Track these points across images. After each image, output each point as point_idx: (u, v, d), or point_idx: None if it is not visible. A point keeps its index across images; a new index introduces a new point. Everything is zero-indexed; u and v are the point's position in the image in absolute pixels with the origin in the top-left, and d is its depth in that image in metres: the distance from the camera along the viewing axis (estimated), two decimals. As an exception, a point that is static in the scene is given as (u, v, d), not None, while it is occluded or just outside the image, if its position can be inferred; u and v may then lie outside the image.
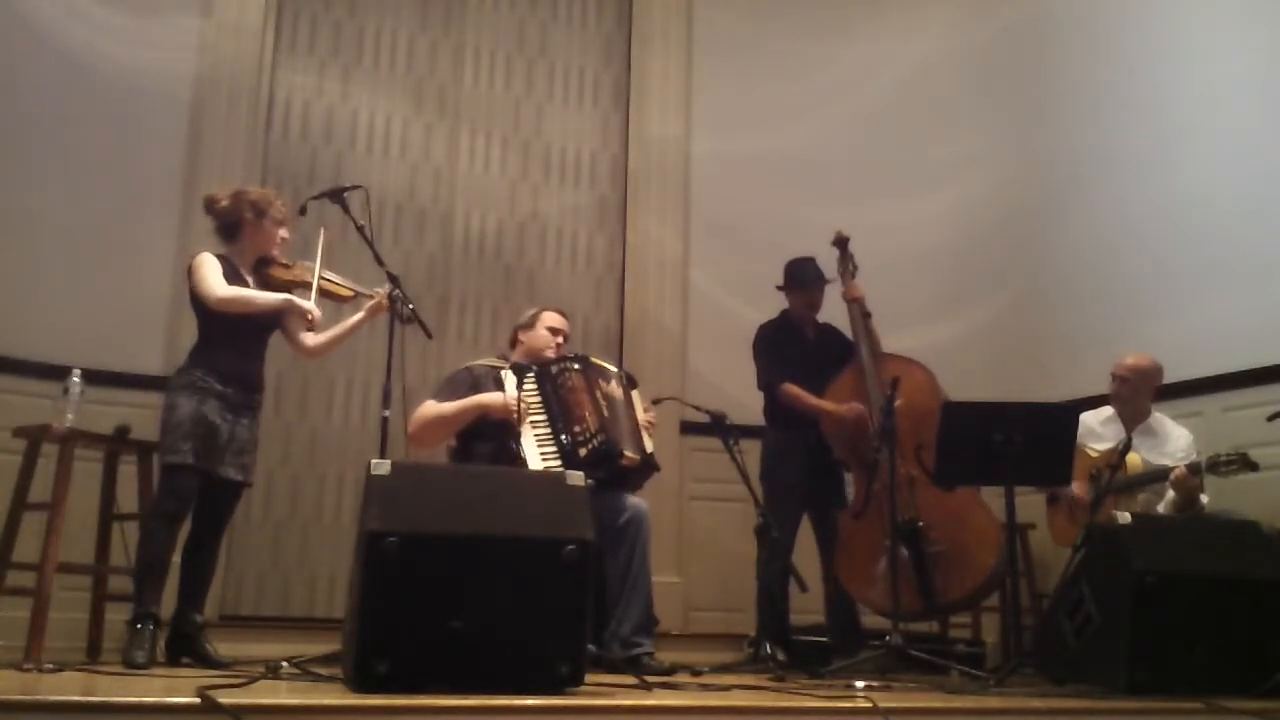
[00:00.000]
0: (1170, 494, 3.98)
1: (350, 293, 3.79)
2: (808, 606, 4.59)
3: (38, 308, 4.65)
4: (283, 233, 3.74)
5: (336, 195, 3.77)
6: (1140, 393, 4.26)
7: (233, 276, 3.60)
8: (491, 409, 3.78)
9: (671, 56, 6.05)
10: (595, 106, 6.05)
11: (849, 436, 4.36)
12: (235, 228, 3.67)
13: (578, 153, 5.98)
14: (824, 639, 4.52)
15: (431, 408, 3.84)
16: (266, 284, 3.69)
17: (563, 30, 6.04)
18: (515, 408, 3.66)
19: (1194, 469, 3.91)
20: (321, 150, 5.52)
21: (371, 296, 3.72)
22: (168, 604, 3.55)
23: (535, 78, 5.95)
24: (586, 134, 6.00)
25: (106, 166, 4.92)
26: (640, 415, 3.97)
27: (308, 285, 3.68)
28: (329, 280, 3.73)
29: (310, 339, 3.73)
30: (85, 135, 4.91)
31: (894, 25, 6.18)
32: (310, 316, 3.58)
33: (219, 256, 3.62)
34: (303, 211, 3.85)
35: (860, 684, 3.25)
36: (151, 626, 3.38)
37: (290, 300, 3.58)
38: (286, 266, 3.74)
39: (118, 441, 3.94)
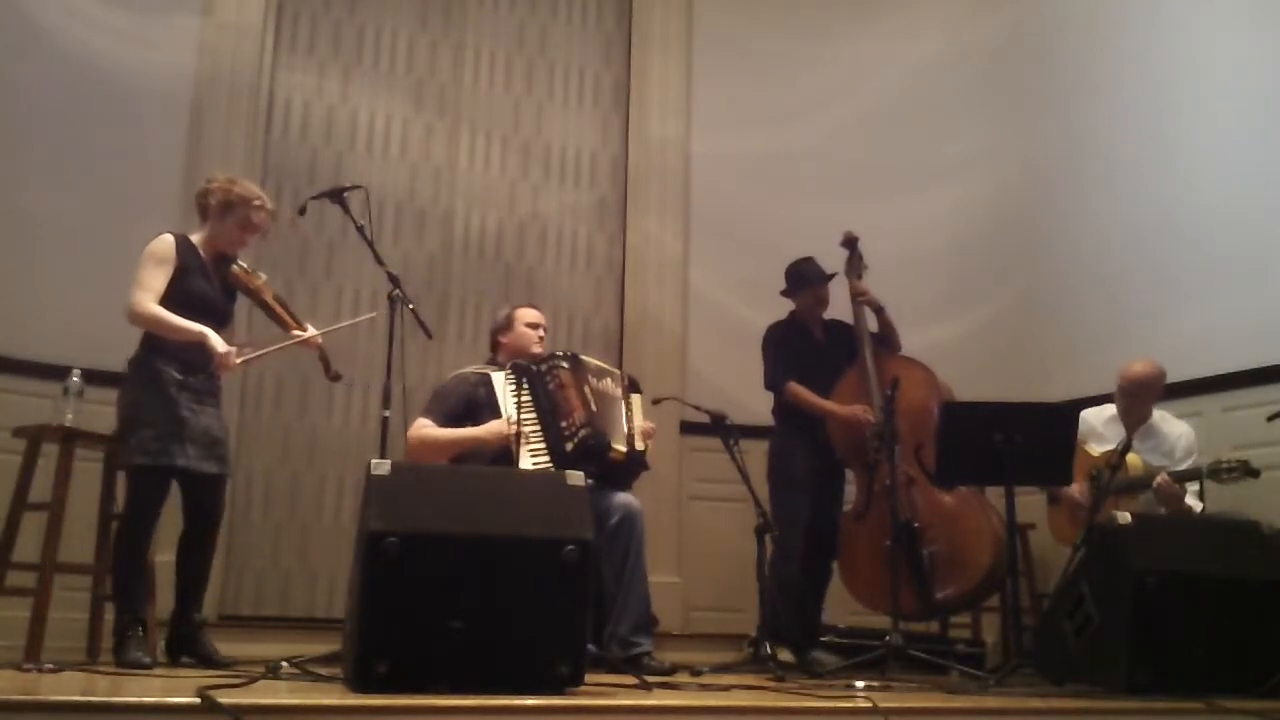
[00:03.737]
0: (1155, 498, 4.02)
1: (294, 324, 3.64)
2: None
3: (38, 308, 4.65)
4: (253, 238, 3.64)
5: (336, 195, 3.77)
6: (1145, 400, 4.26)
7: (193, 270, 3.50)
8: (487, 441, 3.77)
9: (671, 56, 6.05)
10: (595, 106, 6.05)
11: (851, 438, 4.36)
12: (204, 211, 3.62)
13: (578, 153, 5.98)
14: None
15: (428, 431, 3.81)
16: (224, 282, 3.60)
17: (563, 30, 6.04)
18: (510, 435, 3.63)
19: (1179, 478, 3.95)
20: (321, 150, 5.52)
21: (305, 330, 3.62)
22: (166, 605, 3.54)
23: (535, 78, 5.95)
24: (586, 134, 6.00)
25: (107, 166, 4.92)
26: (638, 420, 3.98)
27: (261, 301, 3.62)
28: (281, 307, 3.64)
29: (232, 358, 3.50)
30: (85, 135, 4.91)
31: (894, 25, 6.18)
32: (217, 361, 3.39)
33: (185, 240, 3.54)
34: (302, 211, 3.86)
35: (860, 684, 3.25)
36: (141, 630, 3.36)
37: (205, 336, 3.39)
38: (247, 272, 3.64)
39: (118, 441, 3.93)
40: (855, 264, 4.70)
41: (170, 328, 3.40)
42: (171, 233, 3.56)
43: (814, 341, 4.61)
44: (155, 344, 3.45)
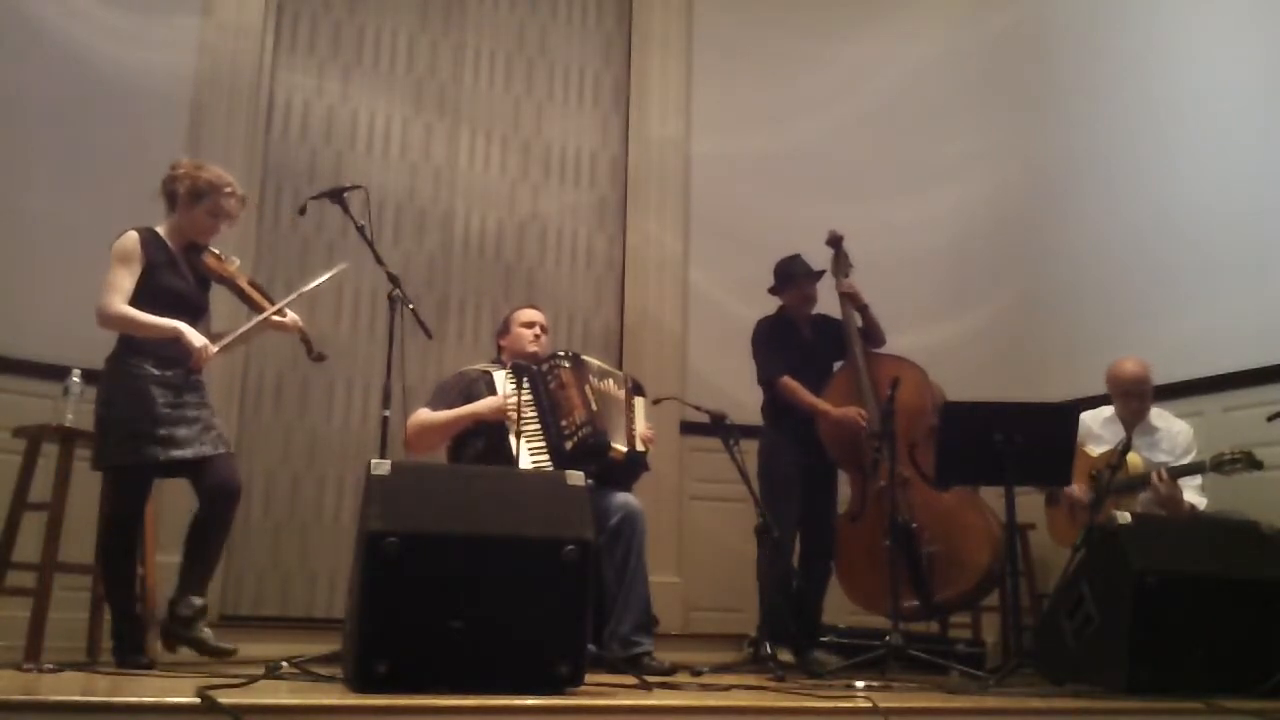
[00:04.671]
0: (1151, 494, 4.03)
1: (271, 307, 3.54)
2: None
3: (37, 308, 4.64)
4: (225, 226, 3.52)
5: (336, 195, 3.77)
6: (1146, 397, 4.27)
7: (161, 264, 3.39)
8: (484, 415, 3.81)
9: (671, 56, 6.05)
10: (595, 106, 6.05)
11: (845, 439, 4.36)
12: (171, 199, 3.49)
13: (578, 153, 5.98)
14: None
15: (425, 416, 3.87)
16: (196, 270, 3.49)
17: (563, 30, 6.04)
18: (507, 409, 3.71)
19: (1182, 472, 3.96)
20: (321, 150, 5.52)
21: (282, 314, 3.52)
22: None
23: (535, 78, 5.95)
24: (586, 134, 6.00)
25: (106, 166, 4.91)
26: (640, 424, 3.98)
27: (236, 288, 3.53)
28: (258, 291, 3.56)
29: (209, 350, 3.38)
30: (85, 135, 4.90)
31: (894, 25, 6.18)
32: (194, 355, 3.29)
33: (152, 234, 3.43)
34: (302, 211, 3.85)
35: (860, 684, 3.25)
36: (139, 631, 3.35)
37: (179, 331, 3.29)
38: (219, 259, 3.53)
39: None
40: (841, 263, 4.70)
41: (141, 326, 3.30)
42: (135, 228, 3.44)
43: (802, 338, 4.62)
44: (130, 342, 3.36)
